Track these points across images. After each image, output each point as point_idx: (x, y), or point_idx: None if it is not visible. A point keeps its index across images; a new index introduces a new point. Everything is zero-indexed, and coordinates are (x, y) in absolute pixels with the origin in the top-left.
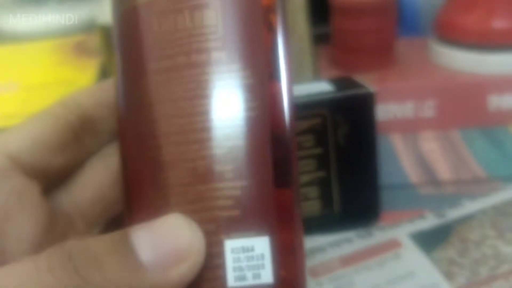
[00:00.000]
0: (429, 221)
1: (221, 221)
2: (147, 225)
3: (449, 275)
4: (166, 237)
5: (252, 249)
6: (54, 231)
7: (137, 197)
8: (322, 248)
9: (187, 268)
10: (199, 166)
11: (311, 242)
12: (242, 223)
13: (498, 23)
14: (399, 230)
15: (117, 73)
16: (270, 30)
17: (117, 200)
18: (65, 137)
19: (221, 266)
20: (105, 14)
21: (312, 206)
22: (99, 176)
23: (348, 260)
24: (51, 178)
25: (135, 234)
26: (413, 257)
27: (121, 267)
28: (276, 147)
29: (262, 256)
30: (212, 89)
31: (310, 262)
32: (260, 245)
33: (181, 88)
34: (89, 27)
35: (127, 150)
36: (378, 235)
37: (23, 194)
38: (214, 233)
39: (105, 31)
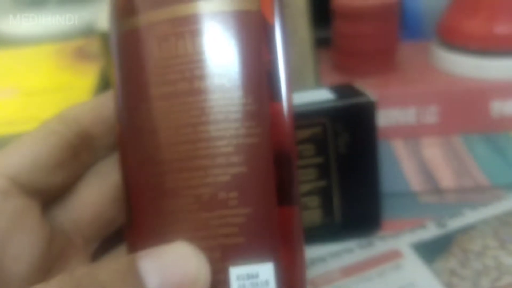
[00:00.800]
0: (430, 231)
1: (226, 249)
2: (154, 253)
3: (450, 286)
4: (173, 266)
5: (257, 276)
6: (52, 249)
7: (140, 222)
8: (323, 258)
9: None
10: (203, 194)
11: (312, 252)
12: (246, 251)
13: (501, 29)
14: (400, 240)
15: (117, 95)
16: (271, 52)
17: (114, 217)
18: (64, 155)
19: None
20: (104, 19)
21: (312, 215)
22: (97, 194)
23: (349, 271)
24: (50, 196)
25: (143, 262)
26: (414, 268)
27: None
28: (279, 169)
29: (267, 282)
30: (215, 116)
31: (311, 273)
32: (265, 272)
33: (184, 114)
34: (88, 31)
35: (129, 175)
36: (379, 245)
37: (24, 215)
38: (219, 261)
39: (104, 36)
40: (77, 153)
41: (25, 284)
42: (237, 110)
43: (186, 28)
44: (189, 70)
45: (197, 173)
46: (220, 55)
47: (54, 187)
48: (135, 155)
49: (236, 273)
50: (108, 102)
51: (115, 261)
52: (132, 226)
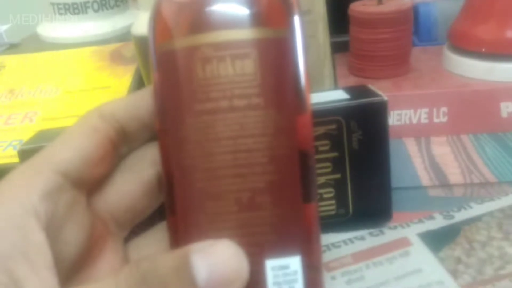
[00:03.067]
0: (438, 222)
1: (263, 245)
2: (205, 250)
3: (455, 273)
4: (220, 265)
5: (288, 267)
6: (94, 235)
7: (185, 217)
8: (336, 244)
9: None
10: (243, 197)
11: (327, 239)
12: (279, 246)
13: (511, 33)
14: (409, 230)
15: (159, 103)
16: (298, 71)
17: (146, 208)
18: (106, 150)
19: (263, 281)
20: (139, 24)
21: (327, 206)
22: (131, 188)
23: (360, 256)
24: (92, 187)
25: (195, 258)
26: (421, 255)
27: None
28: (303, 172)
29: (296, 272)
30: (252, 131)
31: (325, 258)
32: (294, 263)
33: (225, 128)
34: (125, 36)
35: (175, 176)
36: (389, 233)
37: (73, 206)
38: (257, 255)
39: (139, 40)
40: (115, 147)
41: (72, 265)
42: (271, 126)
43: (227, 52)
44: (229, 90)
45: (238, 180)
46: (257, 77)
47: (96, 178)
48: (180, 160)
49: (271, 265)
50: (142, 102)
51: (172, 256)
52: (176, 217)
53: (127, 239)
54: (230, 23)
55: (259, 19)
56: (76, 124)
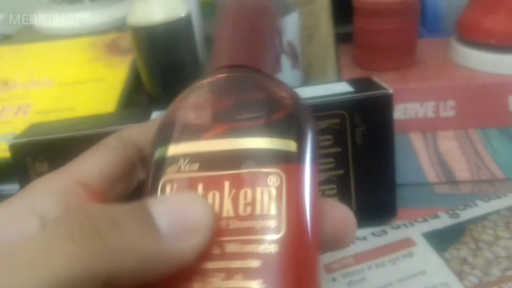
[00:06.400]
0: (443, 221)
1: None
2: (164, 198)
3: (461, 275)
4: (182, 209)
5: None
6: None
7: None
8: None
9: (198, 239)
10: None
11: None
12: None
13: None
14: (413, 229)
15: None
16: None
17: None
18: (125, 168)
19: None
20: (136, 13)
21: None
22: None
23: (362, 257)
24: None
25: (154, 204)
26: (425, 256)
27: (140, 232)
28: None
29: None
30: None
31: (326, 258)
32: None
33: None
34: (121, 26)
35: None
36: (393, 233)
37: None
38: None
39: (136, 31)
40: (134, 168)
41: None
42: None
43: None
44: None
45: None
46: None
47: (114, 195)
48: None
49: None
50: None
51: (128, 203)
52: None
53: None
54: None
55: None
56: (97, 146)
